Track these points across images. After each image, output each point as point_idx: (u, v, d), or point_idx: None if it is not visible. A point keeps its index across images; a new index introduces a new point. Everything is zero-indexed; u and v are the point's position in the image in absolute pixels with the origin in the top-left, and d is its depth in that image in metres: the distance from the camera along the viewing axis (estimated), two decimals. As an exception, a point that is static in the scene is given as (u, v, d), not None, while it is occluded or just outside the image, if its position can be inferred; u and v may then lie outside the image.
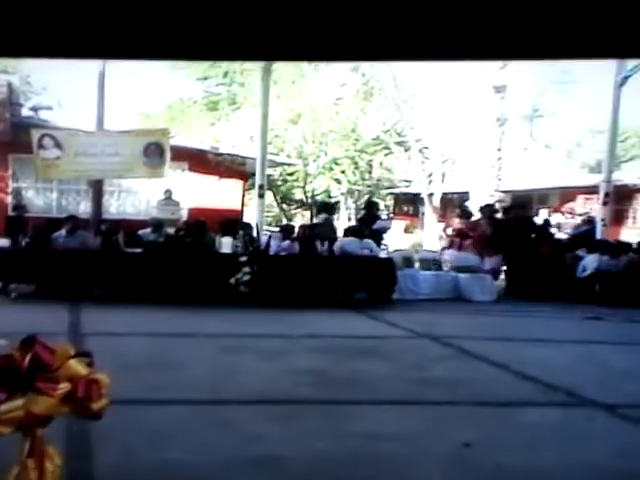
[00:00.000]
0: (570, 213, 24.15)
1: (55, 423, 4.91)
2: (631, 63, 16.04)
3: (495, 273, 14.40)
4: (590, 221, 17.10)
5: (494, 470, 4.54)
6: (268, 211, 33.31)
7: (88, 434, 5.03)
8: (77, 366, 2.61)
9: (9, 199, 19.66)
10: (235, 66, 29.25)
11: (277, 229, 15.28)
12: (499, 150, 21.71)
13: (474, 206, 18.04)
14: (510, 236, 13.48)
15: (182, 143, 21.01)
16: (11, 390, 2.47)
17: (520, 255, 13.59)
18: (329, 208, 16.16)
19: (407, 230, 30.64)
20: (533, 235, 14.57)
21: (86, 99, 15.92)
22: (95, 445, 4.81)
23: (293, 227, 14.72)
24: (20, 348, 2.57)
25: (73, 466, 4.42)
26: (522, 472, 4.52)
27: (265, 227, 16.43)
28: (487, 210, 14.83)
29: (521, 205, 15.87)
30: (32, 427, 2.62)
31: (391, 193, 37.40)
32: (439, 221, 25.84)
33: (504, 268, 14.73)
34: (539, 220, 17.01)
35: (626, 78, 16.41)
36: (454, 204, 27.96)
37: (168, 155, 14.77)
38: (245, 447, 4.83)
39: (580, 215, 20.86)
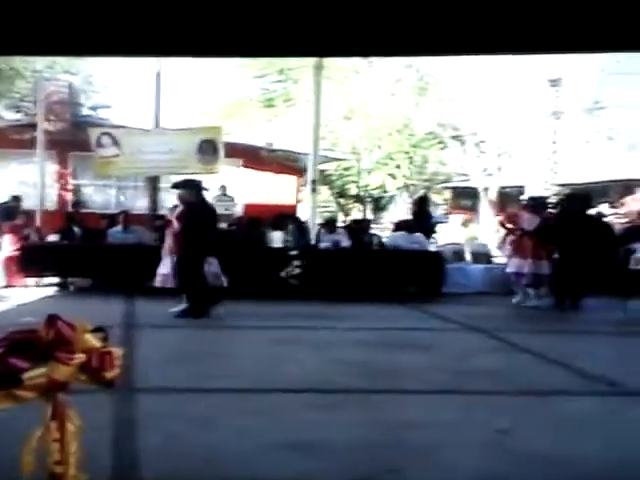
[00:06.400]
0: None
1: (102, 411, 5.16)
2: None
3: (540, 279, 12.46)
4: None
5: (527, 458, 4.58)
6: (326, 206, 33.41)
7: (134, 420, 5.26)
8: (92, 340, 2.96)
9: (69, 196, 20.15)
10: (290, 63, 29.44)
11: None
12: (554, 143, 21.45)
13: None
14: (562, 231, 12.52)
15: (238, 140, 21.22)
16: (34, 360, 2.79)
17: (572, 250, 12.47)
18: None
19: (464, 224, 30.48)
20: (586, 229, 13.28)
21: (147, 98, 16.39)
22: (140, 430, 5.02)
23: (335, 221, 14.77)
24: (45, 324, 2.89)
25: (119, 449, 4.67)
26: (556, 460, 4.54)
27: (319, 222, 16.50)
28: (536, 203, 13.66)
29: (578, 198, 14.87)
30: (54, 392, 2.92)
31: (447, 187, 37.19)
32: (496, 215, 25.64)
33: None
34: (593, 213, 16.19)
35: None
36: (511, 198, 27.72)
37: (222, 151, 15.01)
38: (285, 434, 4.97)
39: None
